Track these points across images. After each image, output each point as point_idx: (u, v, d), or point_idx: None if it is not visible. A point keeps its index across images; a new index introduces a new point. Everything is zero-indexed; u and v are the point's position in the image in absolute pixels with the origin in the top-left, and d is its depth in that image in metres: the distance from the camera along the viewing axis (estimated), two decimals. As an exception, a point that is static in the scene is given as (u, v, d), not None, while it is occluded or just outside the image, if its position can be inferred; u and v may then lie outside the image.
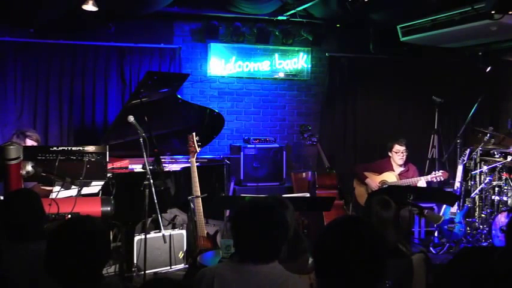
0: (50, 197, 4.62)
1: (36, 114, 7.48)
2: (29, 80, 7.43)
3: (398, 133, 7.78)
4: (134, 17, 7.55)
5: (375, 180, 7.28)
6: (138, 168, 6.17)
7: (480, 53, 8.17)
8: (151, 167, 5.59)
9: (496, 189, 7.45)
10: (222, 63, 8.35)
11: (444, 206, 7.25)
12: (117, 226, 5.86)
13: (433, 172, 7.17)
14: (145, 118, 5.89)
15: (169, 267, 5.93)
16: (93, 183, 5.26)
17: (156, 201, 5.37)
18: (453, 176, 7.55)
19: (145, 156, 5.39)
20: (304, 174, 7.74)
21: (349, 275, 1.93)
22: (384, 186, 7.07)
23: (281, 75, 8.68)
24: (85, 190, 5.10)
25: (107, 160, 5.39)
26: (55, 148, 4.84)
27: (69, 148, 4.93)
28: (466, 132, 8.30)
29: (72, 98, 7.62)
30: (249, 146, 7.95)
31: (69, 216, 4.23)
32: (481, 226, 7.39)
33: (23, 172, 4.50)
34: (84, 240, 2.43)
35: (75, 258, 2.39)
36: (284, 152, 8.09)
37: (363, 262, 1.94)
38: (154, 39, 7.96)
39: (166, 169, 6.19)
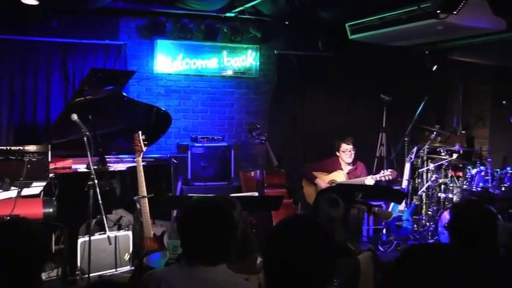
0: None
1: (-27, 113, 7.28)
2: (-36, 77, 7.22)
3: (347, 131, 7.88)
4: (78, 12, 7.41)
5: (324, 180, 7.35)
6: (82, 168, 6.07)
7: (427, 52, 8.35)
8: (95, 167, 5.50)
9: (442, 186, 7.65)
10: (169, 61, 8.29)
11: (392, 203, 7.40)
12: (59, 228, 5.75)
13: (382, 171, 7.30)
14: (90, 116, 5.79)
15: (114, 270, 5.85)
16: (34, 184, 5.16)
17: (100, 201, 5.29)
18: (401, 173, 7.71)
19: (89, 155, 5.31)
20: (252, 173, 7.75)
21: (298, 275, 1.93)
22: (333, 185, 7.15)
23: (229, 72, 8.67)
24: (25, 191, 4.99)
25: (49, 160, 5.30)
26: (-7, 148, 4.71)
27: (8, 148, 4.82)
28: (413, 131, 8.46)
29: (12, 95, 7.43)
30: (196, 144, 7.92)
31: (8, 218, 4.13)
32: (427, 223, 7.57)
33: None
34: (19, 242, 2.37)
35: (9, 262, 2.33)
36: (232, 151, 8.10)
37: (312, 262, 1.94)
38: (98, 35, 7.83)
39: (112, 169, 6.11)
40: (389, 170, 7.30)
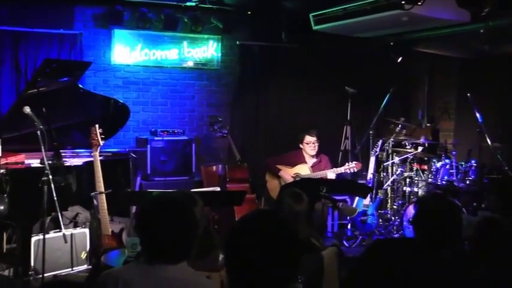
0: None
1: None
2: None
3: (311, 124, 7.93)
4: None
5: (288, 173, 7.39)
6: (35, 163, 5.96)
7: (392, 43, 8.44)
8: (50, 162, 5.41)
9: (408, 180, 7.75)
10: (127, 51, 8.19)
11: (357, 198, 7.48)
12: (11, 226, 5.64)
13: (347, 163, 7.37)
14: (43, 109, 5.69)
15: (70, 269, 5.78)
16: (-16, 180, 5.05)
17: (55, 198, 5.20)
18: (366, 167, 7.79)
19: (43, 150, 5.22)
20: (214, 167, 7.75)
21: (261, 271, 1.93)
22: (297, 179, 7.19)
23: (190, 64, 8.62)
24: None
25: (0, 155, 5.19)
26: None
27: (-44, 142, 4.69)
28: (378, 123, 8.56)
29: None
30: (156, 138, 7.87)
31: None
32: (393, 218, 7.67)
33: None
34: None
35: None
36: (193, 145, 8.07)
37: (275, 258, 1.93)
38: (52, 24, 7.69)
39: (67, 164, 6.02)
40: (354, 162, 7.39)
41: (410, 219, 6.13)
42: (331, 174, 7.24)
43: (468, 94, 7.41)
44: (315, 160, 7.57)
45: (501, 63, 7.81)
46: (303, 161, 7.54)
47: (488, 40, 6.98)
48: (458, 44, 8.02)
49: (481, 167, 7.27)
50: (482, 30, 6.86)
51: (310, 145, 7.48)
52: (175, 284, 2.49)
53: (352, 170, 7.29)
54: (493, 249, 3.06)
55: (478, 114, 7.24)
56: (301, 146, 7.58)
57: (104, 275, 2.61)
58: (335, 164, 7.73)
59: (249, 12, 8.51)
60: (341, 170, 7.27)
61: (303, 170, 7.43)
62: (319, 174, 7.30)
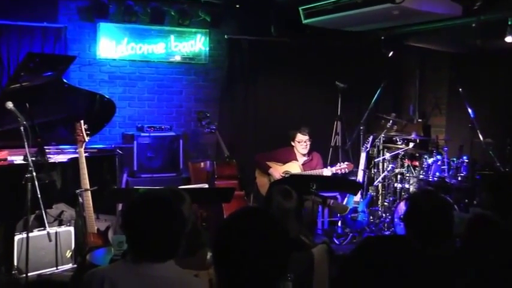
0: None
1: None
2: None
3: (301, 120, 7.93)
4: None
5: (278, 170, 7.38)
6: (19, 159, 5.93)
7: (383, 37, 8.45)
8: (34, 159, 5.39)
9: (399, 176, 7.77)
10: (113, 45, 8.15)
11: (347, 195, 7.49)
12: (-6, 225, 5.61)
13: (338, 164, 7.37)
14: (27, 104, 5.66)
15: (55, 268, 5.75)
16: (-35, 177, 5.02)
17: (39, 195, 5.18)
18: (356, 163, 7.80)
19: (27, 146, 5.19)
20: (202, 164, 7.74)
21: (250, 269, 1.93)
22: (286, 176, 7.19)
23: (177, 58, 8.60)
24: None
25: (-18, 151, 5.15)
26: None
27: None
28: (369, 119, 8.57)
29: None
30: (142, 134, 7.84)
31: None
32: (383, 214, 7.69)
33: None
34: None
35: None
36: (181, 141, 8.05)
37: (264, 256, 1.93)
38: (35, 17, 7.62)
39: (52, 160, 5.99)
40: (346, 162, 7.38)
41: (402, 216, 6.14)
42: (327, 172, 7.25)
43: (460, 89, 7.44)
44: (306, 158, 7.57)
45: (493, 58, 7.84)
46: (294, 159, 7.53)
47: (480, 34, 7.01)
48: (450, 39, 8.05)
49: (473, 163, 7.31)
50: (474, 25, 6.88)
51: (301, 143, 7.47)
52: (162, 282, 2.49)
53: (343, 171, 7.29)
54: (485, 246, 3.08)
55: (469, 110, 7.28)
56: (292, 143, 7.57)
57: (90, 274, 2.61)
58: (325, 161, 7.74)
59: (237, 6, 8.49)
60: (332, 170, 7.27)
61: (294, 167, 7.43)
62: (313, 173, 7.30)
